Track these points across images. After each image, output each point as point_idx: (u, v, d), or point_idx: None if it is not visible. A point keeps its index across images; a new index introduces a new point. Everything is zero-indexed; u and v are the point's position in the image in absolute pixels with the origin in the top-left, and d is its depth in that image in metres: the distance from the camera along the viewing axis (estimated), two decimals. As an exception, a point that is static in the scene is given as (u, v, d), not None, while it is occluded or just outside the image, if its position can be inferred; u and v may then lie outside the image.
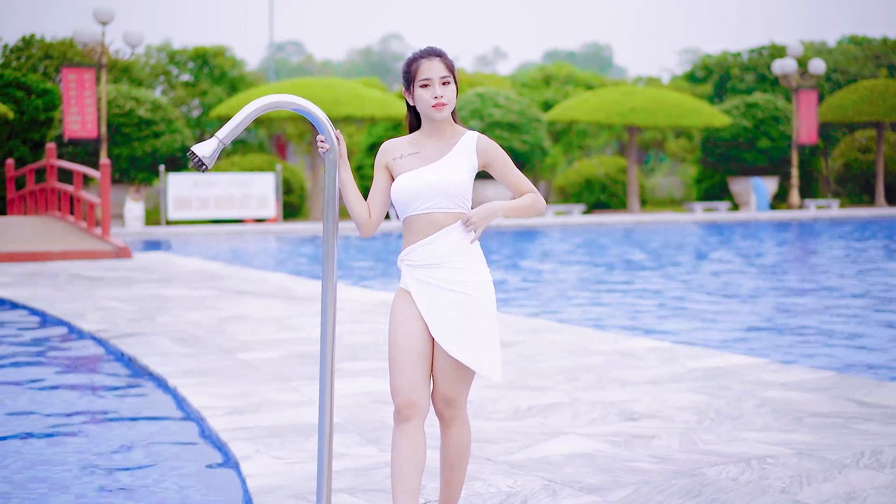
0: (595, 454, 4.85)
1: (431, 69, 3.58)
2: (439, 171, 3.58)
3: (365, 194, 23.23)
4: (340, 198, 3.72)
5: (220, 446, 5.23)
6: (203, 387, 6.44)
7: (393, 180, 3.68)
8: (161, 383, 6.81)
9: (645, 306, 11.67)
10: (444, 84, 3.58)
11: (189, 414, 6.01)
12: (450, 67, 3.60)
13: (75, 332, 9.09)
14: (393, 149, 3.71)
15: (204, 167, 3.64)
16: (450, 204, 3.57)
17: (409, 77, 3.62)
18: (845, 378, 6.57)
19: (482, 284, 3.59)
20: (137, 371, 7.36)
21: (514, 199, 3.69)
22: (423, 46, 3.69)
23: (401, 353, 3.58)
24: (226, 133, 3.61)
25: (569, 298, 12.61)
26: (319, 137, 3.71)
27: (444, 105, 3.58)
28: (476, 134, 3.67)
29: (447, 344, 3.55)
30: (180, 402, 6.27)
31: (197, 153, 3.62)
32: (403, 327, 3.60)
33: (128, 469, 4.99)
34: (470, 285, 3.57)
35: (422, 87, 3.59)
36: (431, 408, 3.64)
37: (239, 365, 7.17)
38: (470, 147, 3.63)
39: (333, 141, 3.70)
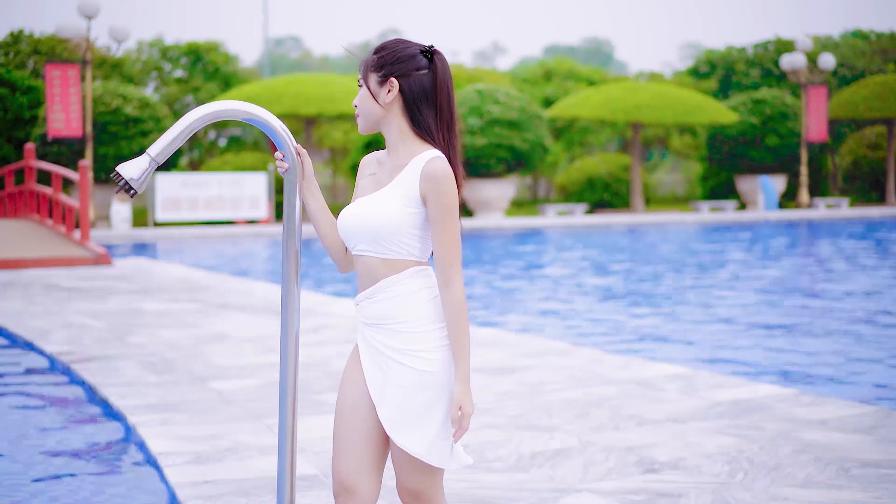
0: (613, 520, 4.13)
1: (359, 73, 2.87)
2: (371, 206, 2.79)
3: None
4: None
5: (175, 507, 4.49)
6: (166, 426, 5.69)
7: None
8: (120, 420, 6.07)
9: (658, 320, 10.93)
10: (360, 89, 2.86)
11: (147, 459, 5.27)
12: (369, 65, 2.80)
13: (37, 354, 8.34)
14: (366, 165, 2.94)
15: (132, 192, 2.88)
16: (382, 249, 2.77)
17: None
18: (890, 414, 5.83)
19: (435, 354, 2.79)
20: (98, 403, 6.61)
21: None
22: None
23: (343, 428, 2.82)
24: (159, 149, 2.86)
25: (575, 311, 11.86)
26: (278, 154, 2.96)
27: (357, 117, 2.86)
28: (430, 156, 2.78)
29: (394, 431, 2.78)
30: (139, 444, 5.53)
31: (123, 174, 2.86)
32: (351, 397, 2.84)
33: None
34: (418, 356, 2.78)
35: None
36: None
37: (210, 397, 6.43)
38: (414, 174, 2.78)
39: (293, 157, 2.94)
